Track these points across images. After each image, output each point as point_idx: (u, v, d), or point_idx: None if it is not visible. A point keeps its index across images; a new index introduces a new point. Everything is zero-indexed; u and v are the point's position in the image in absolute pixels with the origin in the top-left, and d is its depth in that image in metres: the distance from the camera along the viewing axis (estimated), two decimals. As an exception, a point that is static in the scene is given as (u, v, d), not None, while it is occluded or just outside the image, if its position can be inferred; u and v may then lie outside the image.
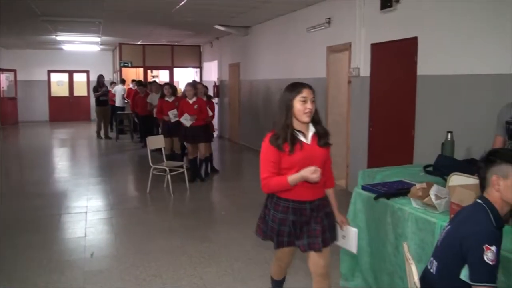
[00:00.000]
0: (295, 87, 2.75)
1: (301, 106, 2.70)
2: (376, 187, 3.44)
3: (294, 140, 2.72)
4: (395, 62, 5.92)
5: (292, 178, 2.68)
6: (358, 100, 6.76)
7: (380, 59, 6.25)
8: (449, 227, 2.18)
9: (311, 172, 2.59)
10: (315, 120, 2.82)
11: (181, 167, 7.15)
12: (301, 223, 2.83)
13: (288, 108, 2.73)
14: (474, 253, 1.91)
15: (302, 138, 2.76)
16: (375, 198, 3.30)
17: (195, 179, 7.65)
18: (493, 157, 2.08)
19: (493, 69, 4.35)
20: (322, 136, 2.82)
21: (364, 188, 3.53)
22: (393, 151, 5.82)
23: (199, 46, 16.44)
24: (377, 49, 6.29)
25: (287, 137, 2.71)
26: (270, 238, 2.89)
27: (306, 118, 2.73)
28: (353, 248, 2.99)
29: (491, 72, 4.39)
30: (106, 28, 11.53)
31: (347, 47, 6.98)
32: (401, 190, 3.28)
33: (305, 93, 2.71)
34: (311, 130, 2.81)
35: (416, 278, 2.12)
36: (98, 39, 14.16)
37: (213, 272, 4.09)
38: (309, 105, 2.71)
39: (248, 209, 6.05)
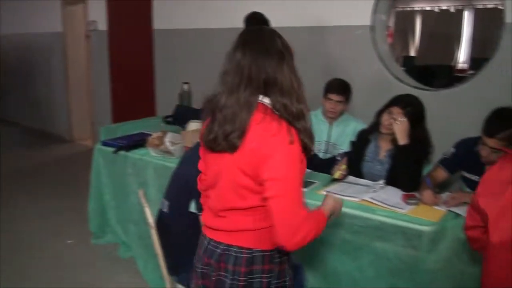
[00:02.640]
0: None
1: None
2: (116, 141, 3.43)
3: None
4: (132, 16, 5.85)
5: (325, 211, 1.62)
6: (98, 55, 6.51)
7: (117, 13, 6.09)
8: (176, 168, 2.33)
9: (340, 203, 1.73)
10: None
11: None
12: None
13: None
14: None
15: None
16: (114, 152, 3.31)
17: None
18: None
19: (229, 24, 4.60)
20: None
21: (104, 143, 3.48)
22: (136, 105, 5.86)
23: None
24: (113, 2, 6.11)
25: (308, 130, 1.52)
26: None
27: None
28: None
29: (227, 26, 4.63)
30: None
31: (82, -1, 6.59)
32: (139, 141, 3.33)
33: None
34: None
35: (150, 219, 2.22)
36: None
37: None
38: None
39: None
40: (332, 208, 1.63)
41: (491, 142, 2.30)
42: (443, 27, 9.33)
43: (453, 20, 9.33)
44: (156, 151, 3.09)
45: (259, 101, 1.48)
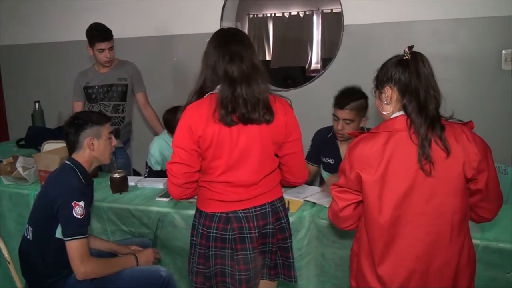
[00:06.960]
0: None
1: None
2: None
3: None
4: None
5: None
6: None
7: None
8: (39, 191, 2.22)
9: None
10: None
11: None
12: None
13: None
14: (64, 211, 1.99)
15: None
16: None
17: None
18: (82, 121, 2.17)
19: (74, 36, 4.38)
20: None
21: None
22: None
23: None
24: None
25: None
26: None
27: None
28: None
29: (73, 39, 4.44)
30: None
31: None
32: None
33: None
34: None
35: (6, 253, 2.08)
36: None
37: None
38: None
39: None
40: None
41: (343, 113, 2.58)
42: (294, 31, 9.92)
43: (303, 24, 9.97)
44: (8, 179, 2.86)
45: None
